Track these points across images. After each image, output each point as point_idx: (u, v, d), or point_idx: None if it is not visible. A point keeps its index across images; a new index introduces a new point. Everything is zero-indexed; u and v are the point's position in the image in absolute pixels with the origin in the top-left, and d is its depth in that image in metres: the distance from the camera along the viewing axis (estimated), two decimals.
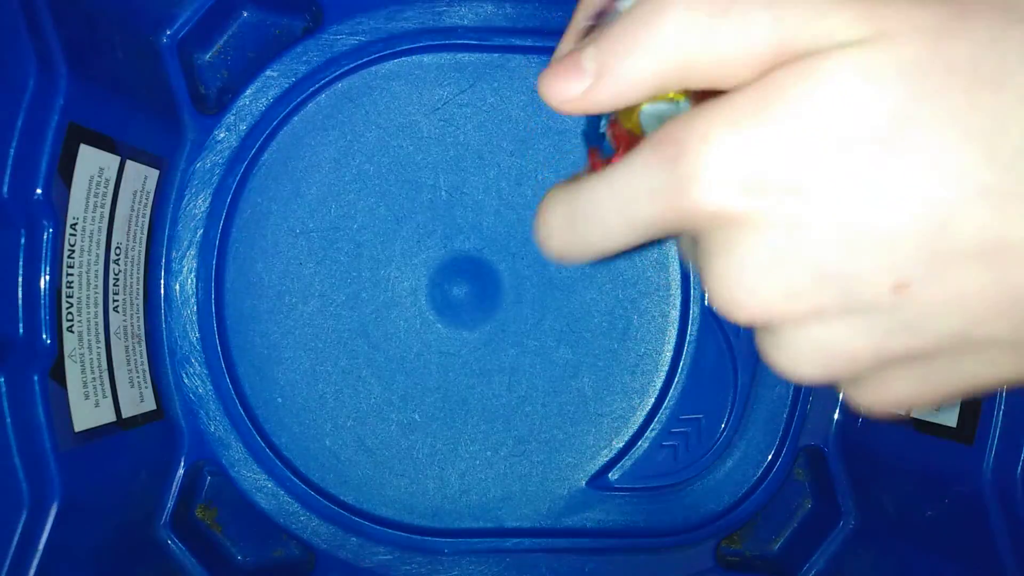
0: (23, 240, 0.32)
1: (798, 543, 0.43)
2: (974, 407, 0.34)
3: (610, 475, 0.42)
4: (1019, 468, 0.32)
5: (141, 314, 0.39)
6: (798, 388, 0.42)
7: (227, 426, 0.41)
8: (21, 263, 0.32)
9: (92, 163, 0.35)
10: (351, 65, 0.41)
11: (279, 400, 0.41)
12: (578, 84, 0.19)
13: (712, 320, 0.42)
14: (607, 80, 0.19)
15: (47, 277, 0.33)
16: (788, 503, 0.44)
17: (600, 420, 0.42)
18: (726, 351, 0.42)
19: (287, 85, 0.40)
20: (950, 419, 0.35)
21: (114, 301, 0.37)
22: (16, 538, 0.31)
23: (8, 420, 0.31)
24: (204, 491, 0.42)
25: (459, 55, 0.41)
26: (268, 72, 0.40)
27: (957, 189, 0.16)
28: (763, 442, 0.42)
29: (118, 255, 0.37)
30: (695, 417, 0.42)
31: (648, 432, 0.42)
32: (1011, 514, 0.32)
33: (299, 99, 0.41)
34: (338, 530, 0.41)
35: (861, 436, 0.41)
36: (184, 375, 0.41)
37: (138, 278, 0.39)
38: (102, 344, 0.36)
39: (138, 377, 0.39)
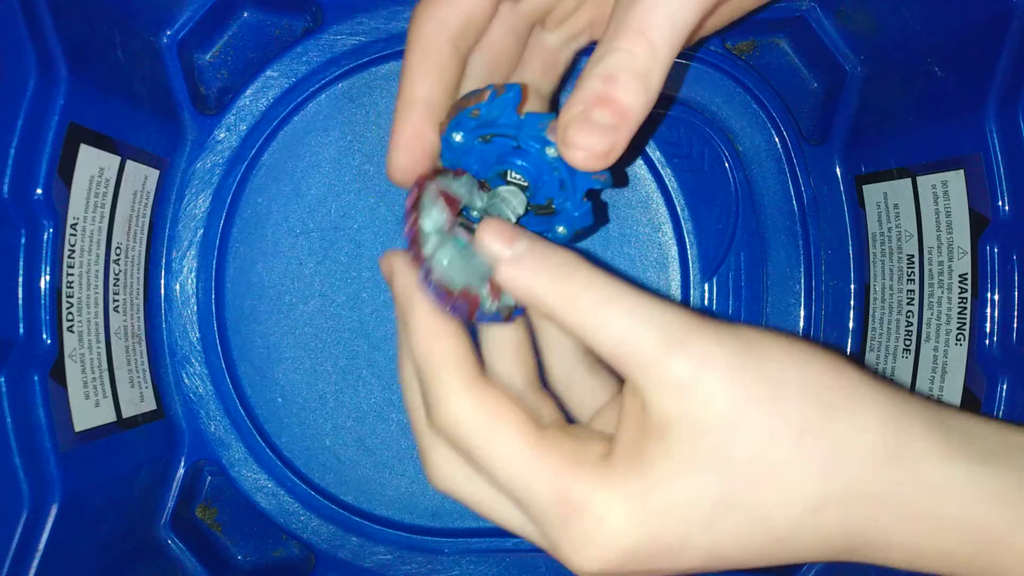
0: (23, 240, 0.32)
1: None
2: (974, 407, 0.34)
3: None
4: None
5: (141, 314, 0.39)
6: None
7: (227, 426, 0.41)
8: (21, 263, 0.32)
9: (92, 163, 0.35)
10: (351, 65, 0.41)
11: (279, 400, 0.41)
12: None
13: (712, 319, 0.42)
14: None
15: (47, 277, 0.33)
16: None
17: None
18: None
19: (287, 85, 0.40)
20: None
21: (114, 301, 0.37)
22: (16, 538, 0.31)
23: (8, 420, 0.31)
24: (204, 491, 0.42)
25: None
26: (268, 72, 0.40)
27: None
28: None
29: (118, 255, 0.37)
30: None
31: None
32: None
33: (299, 99, 0.41)
34: (338, 530, 0.41)
35: None
36: (184, 375, 0.41)
37: (138, 278, 0.39)
38: (102, 344, 0.36)
39: (138, 377, 0.39)
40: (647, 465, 0.24)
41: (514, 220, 0.29)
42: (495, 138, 0.28)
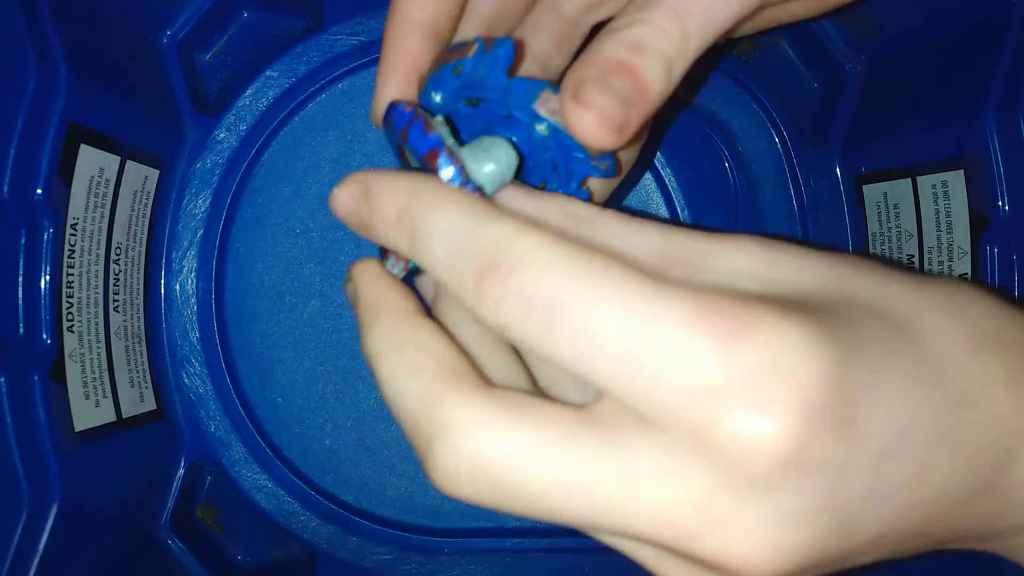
0: (23, 240, 0.32)
1: None
2: None
3: None
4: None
5: (141, 314, 0.39)
6: None
7: (227, 426, 0.41)
8: (21, 263, 0.32)
9: (92, 163, 0.35)
10: (351, 65, 0.41)
11: (279, 400, 0.41)
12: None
13: None
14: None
15: (47, 277, 0.33)
16: None
17: None
18: None
19: (287, 85, 0.40)
20: None
21: (114, 301, 0.37)
22: (16, 538, 0.31)
23: (8, 420, 0.31)
24: (204, 491, 0.42)
25: None
26: (268, 72, 0.40)
27: None
28: None
29: (118, 255, 0.37)
30: None
31: None
32: None
33: (299, 99, 0.41)
34: (338, 530, 0.41)
35: None
36: (184, 375, 0.41)
37: (138, 278, 0.39)
38: (102, 344, 0.36)
39: (138, 377, 0.39)
40: (825, 315, 0.18)
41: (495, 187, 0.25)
42: (483, 103, 0.24)
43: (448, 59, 0.24)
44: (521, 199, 0.23)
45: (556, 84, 0.23)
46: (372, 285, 0.22)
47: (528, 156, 0.25)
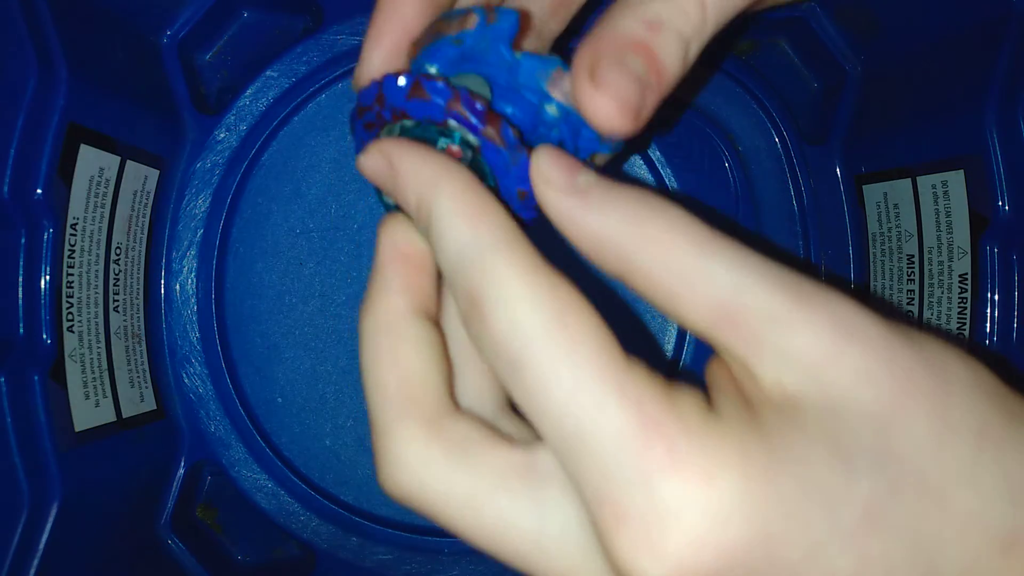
0: (23, 240, 0.32)
1: None
2: None
3: None
4: None
5: (141, 314, 0.39)
6: None
7: (227, 426, 0.41)
8: (21, 263, 0.32)
9: (92, 163, 0.35)
10: (351, 65, 0.40)
11: (279, 400, 0.41)
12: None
13: None
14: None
15: (47, 277, 0.33)
16: None
17: None
18: None
19: (287, 85, 0.40)
20: None
21: (114, 301, 0.37)
22: (16, 538, 0.31)
23: (8, 420, 0.31)
24: (204, 491, 0.42)
25: None
26: (268, 72, 0.40)
27: None
28: None
29: (118, 255, 0.37)
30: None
31: None
32: None
33: (299, 99, 0.41)
34: (338, 530, 0.41)
35: None
36: (184, 375, 0.41)
37: (138, 278, 0.39)
38: (102, 344, 0.36)
39: (138, 377, 0.39)
40: (766, 429, 0.17)
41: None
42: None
43: (445, 29, 0.22)
44: (613, 197, 0.20)
45: (563, 60, 0.22)
46: (389, 259, 0.21)
47: (530, 130, 0.24)
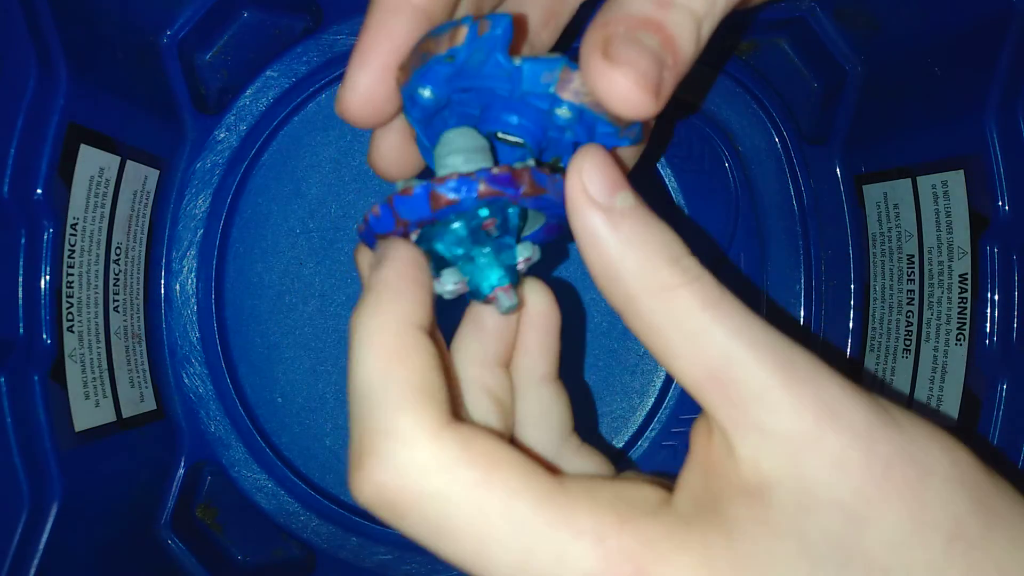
0: (23, 240, 0.32)
1: None
2: (974, 407, 0.34)
3: None
4: (1019, 467, 0.32)
5: (141, 314, 0.39)
6: None
7: (227, 426, 0.41)
8: (21, 263, 0.32)
9: (92, 163, 0.35)
10: None
11: (279, 400, 0.41)
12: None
13: None
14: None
15: (47, 277, 0.33)
16: None
17: (600, 420, 0.42)
18: None
19: (287, 85, 0.40)
20: (950, 419, 0.35)
21: (114, 301, 0.37)
22: (16, 538, 0.31)
23: (8, 420, 0.31)
24: (204, 491, 0.42)
25: None
26: (268, 72, 0.40)
27: None
28: None
29: (118, 255, 0.37)
30: (695, 417, 0.42)
31: (648, 432, 0.42)
32: None
33: (299, 99, 0.41)
34: (338, 530, 0.41)
35: None
36: (184, 375, 0.41)
37: (138, 278, 0.39)
38: (102, 344, 0.36)
39: (138, 377, 0.39)
40: (730, 526, 0.18)
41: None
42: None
43: (433, 48, 0.21)
44: (638, 232, 0.19)
45: (570, 59, 0.21)
46: (398, 271, 0.20)
47: (541, 137, 0.23)
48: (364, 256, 0.23)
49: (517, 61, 0.21)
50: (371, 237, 0.22)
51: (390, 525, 0.19)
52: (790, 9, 0.41)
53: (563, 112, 0.21)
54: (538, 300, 0.24)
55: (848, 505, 0.17)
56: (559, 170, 0.22)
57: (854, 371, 0.41)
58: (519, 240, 0.23)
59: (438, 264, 0.22)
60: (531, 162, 0.21)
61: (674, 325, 0.19)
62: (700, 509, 0.18)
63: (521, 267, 0.23)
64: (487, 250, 0.22)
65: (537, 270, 0.24)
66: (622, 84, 0.19)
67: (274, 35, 0.42)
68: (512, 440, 0.24)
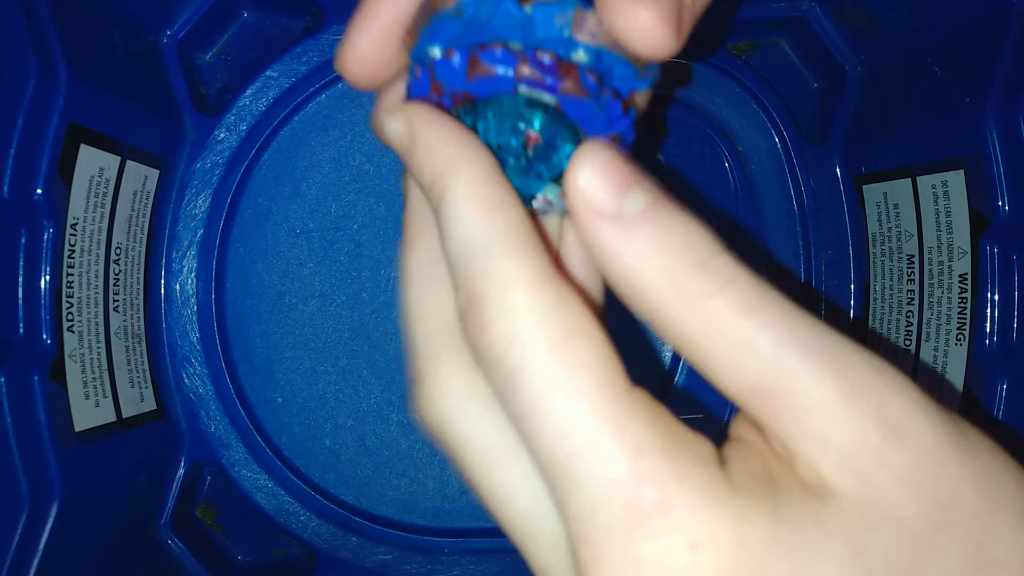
0: (23, 240, 0.32)
1: None
2: (974, 407, 0.34)
3: None
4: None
5: (141, 314, 0.39)
6: None
7: (227, 426, 0.41)
8: (21, 263, 0.32)
9: (92, 163, 0.35)
10: None
11: (279, 400, 0.41)
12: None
13: None
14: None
15: (47, 277, 0.33)
16: None
17: None
18: None
19: (287, 85, 0.40)
20: None
21: (114, 301, 0.37)
22: (16, 538, 0.31)
23: (8, 420, 0.31)
24: (204, 491, 0.42)
25: None
26: (268, 72, 0.40)
27: None
28: None
29: (118, 255, 0.37)
30: (695, 417, 0.42)
31: None
32: None
33: (299, 99, 0.41)
34: (338, 530, 0.41)
35: None
36: (184, 375, 0.41)
37: (138, 278, 0.39)
38: (102, 344, 0.36)
39: (138, 377, 0.39)
40: (781, 511, 0.16)
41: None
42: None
43: (439, 3, 0.20)
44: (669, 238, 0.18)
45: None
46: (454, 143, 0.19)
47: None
48: (407, 112, 0.20)
49: (528, 8, 0.20)
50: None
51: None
52: (790, 9, 0.41)
53: (579, 56, 0.20)
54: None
55: (915, 529, 0.16)
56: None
57: None
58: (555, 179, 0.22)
59: None
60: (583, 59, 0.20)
61: (711, 337, 0.17)
62: (752, 482, 0.17)
63: (538, 205, 0.21)
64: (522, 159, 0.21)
65: None
66: (645, 19, 0.18)
67: (274, 35, 0.42)
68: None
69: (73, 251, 0.34)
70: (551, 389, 0.17)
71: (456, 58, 0.19)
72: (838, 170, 0.42)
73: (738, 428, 0.19)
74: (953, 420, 0.17)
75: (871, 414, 0.16)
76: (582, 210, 0.17)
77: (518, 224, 0.18)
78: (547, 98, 0.20)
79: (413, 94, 0.21)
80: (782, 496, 0.16)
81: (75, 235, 0.35)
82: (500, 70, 0.19)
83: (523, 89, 0.20)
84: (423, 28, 0.21)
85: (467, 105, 0.21)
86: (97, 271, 0.36)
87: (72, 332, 0.34)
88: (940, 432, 0.17)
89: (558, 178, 0.21)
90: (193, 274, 0.41)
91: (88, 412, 0.35)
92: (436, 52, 0.20)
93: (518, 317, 0.17)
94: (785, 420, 0.17)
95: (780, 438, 0.17)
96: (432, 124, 0.19)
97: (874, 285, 0.41)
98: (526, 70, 0.19)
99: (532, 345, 0.17)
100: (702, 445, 0.17)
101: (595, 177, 0.17)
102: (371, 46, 0.21)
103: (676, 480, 0.16)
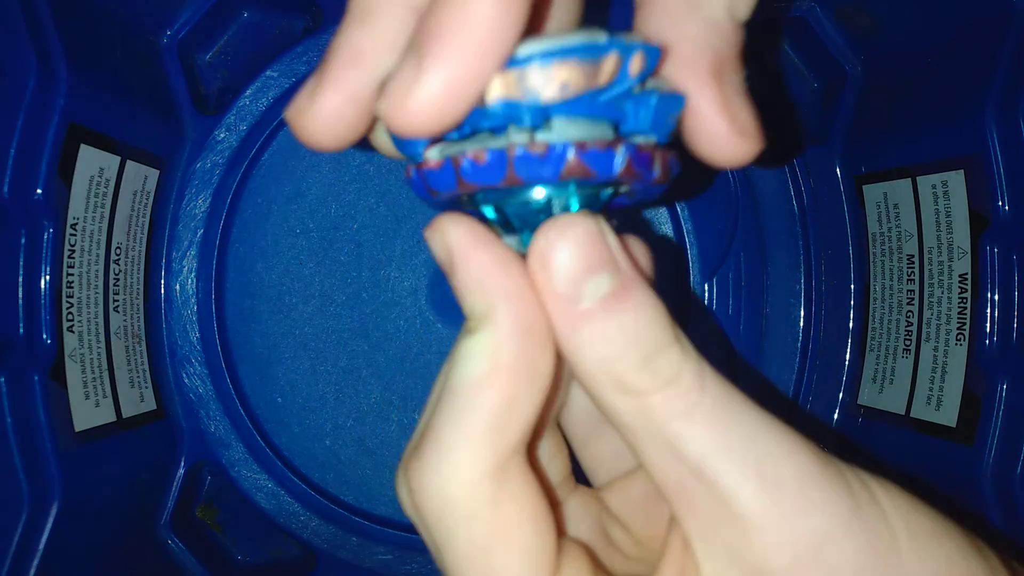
0: (23, 240, 0.32)
1: None
2: (974, 407, 0.34)
3: None
4: (1019, 468, 0.32)
5: (141, 314, 0.39)
6: (796, 389, 0.42)
7: (227, 426, 0.41)
8: (21, 263, 0.32)
9: (92, 163, 0.35)
10: None
11: (279, 400, 0.41)
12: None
13: (712, 319, 0.42)
14: None
15: (47, 277, 0.33)
16: None
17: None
18: (724, 350, 0.42)
19: (287, 85, 0.40)
20: (950, 419, 0.35)
21: (114, 301, 0.37)
22: (16, 538, 0.31)
23: (8, 420, 0.31)
24: (204, 491, 0.42)
25: None
26: (268, 72, 0.40)
27: None
28: None
29: (118, 255, 0.37)
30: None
31: None
32: (1011, 514, 0.32)
33: None
34: (338, 530, 0.41)
35: (859, 436, 0.41)
36: (184, 375, 0.41)
37: (138, 278, 0.39)
38: (102, 344, 0.36)
39: (138, 377, 0.39)
40: None
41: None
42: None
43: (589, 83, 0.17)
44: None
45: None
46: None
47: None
48: (446, 234, 0.18)
49: (640, 88, 0.18)
50: (423, 189, 0.19)
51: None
52: (790, 9, 0.41)
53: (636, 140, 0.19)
54: None
55: None
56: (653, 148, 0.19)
57: (854, 372, 0.41)
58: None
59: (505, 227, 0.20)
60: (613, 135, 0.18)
61: (643, 432, 0.17)
62: None
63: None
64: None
65: None
66: (748, 150, 0.19)
67: (274, 35, 0.42)
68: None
69: (73, 251, 0.34)
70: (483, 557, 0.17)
71: (491, 157, 0.17)
72: (838, 170, 0.42)
73: (669, 534, 0.19)
74: (880, 537, 0.16)
75: (788, 530, 0.16)
76: (541, 279, 0.17)
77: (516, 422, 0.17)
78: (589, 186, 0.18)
79: (434, 184, 0.18)
80: None
81: (75, 235, 0.35)
82: (541, 171, 0.17)
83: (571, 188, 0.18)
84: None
85: (491, 192, 0.19)
86: (97, 271, 0.36)
87: (72, 332, 0.34)
88: (862, 557, 0.16)
89: None
90: (193, 274, 0.41)
91: (88, 412, 0.35)
92: (465, 149, 0.18)
93: (454, 490, 0.17)
94: (699, 524, 0.16)
95: (691, 543, 0.17)
96: (473, 254, 0.18)
97: (874, 285, 0.41)
98: (574, 162, 0.17)
99: (461, 526, 0.17)
100: None
101: (565, 249, 0.17)
102: (341, 105, 0.18)
103: None
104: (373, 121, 0.19)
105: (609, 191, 0.19)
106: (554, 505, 0.19)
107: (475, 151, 0.17)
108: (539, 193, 0.18)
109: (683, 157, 0.21)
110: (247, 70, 0.41)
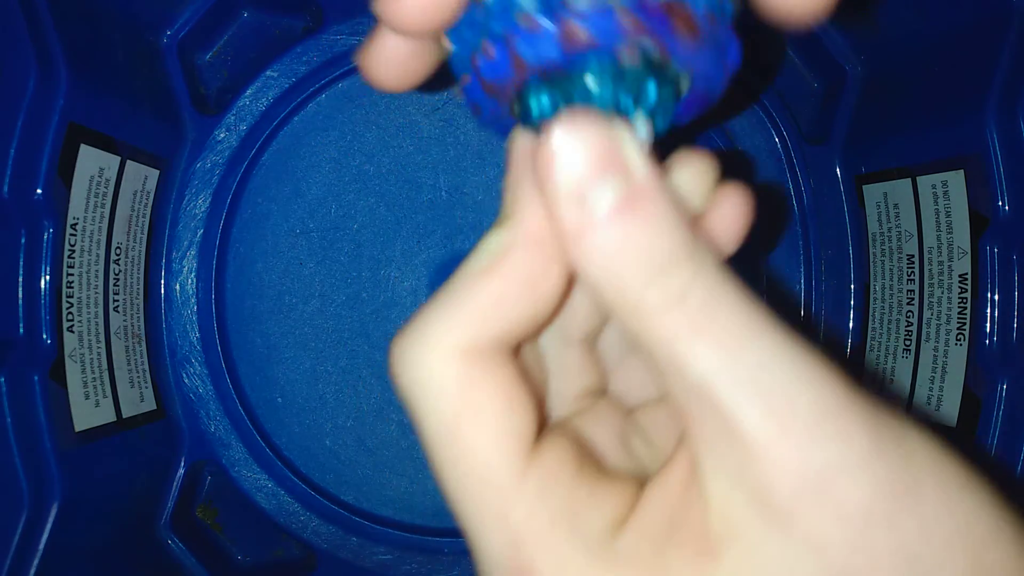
0: (23, 240, 0.32)
1: None
2: (974, 407, 0.34)
3: None
4: (1019, 468, 0.32)
5: (141, 314, 0.39)
6: None
7: (227, 426, 0.41)
8: (21, 263, 0.32)
9: (92, 163, 0.35)
10: (351, 65, 0.41)
11: (279, 400, 0.41)
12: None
13: None
14: None
15: (47, 277, 0.33)
16: None
17: None
18: None
19: (287, 85, 0.40)
20: (950, 419, 0.35)
21: (114, 301, 0.37)
22: (16, 538, 0.31)
23: (8, 420, 0.31)
24: (204, 491, 0.42)
25: None
26: (268, 72, 0.40)
27: None
28: None
29: (118, 255, 0.37)
30: None
31: None
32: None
33: (299, 99, 0.41)
34: (338, 530, 0.41)
35: None
36: (184, 375, 0.41)
37: (138, 278, 0.39)
38: (102, 344, 0.36)
39: (138, 377, 0.39)
40: None
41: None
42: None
43: None
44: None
45: None
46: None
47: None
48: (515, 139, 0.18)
49: None
50: (479, 92, 0.18)
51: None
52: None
53: None
54: None
55: None
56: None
57: (854, 371, 0.41)
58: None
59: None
60: None
61: (653, 349, 0.16)
62: (644, 546, 0.16)
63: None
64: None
65: None
66: None
67: (274, 35, 0.42)
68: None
69: (73, 251, 0.34)
70: (447, 467, 0.17)
71: (545, 26, 0.16)
72: (838, 170, 0.42)
73: (676, 451, 0.18)
74: (901, 477, 0.15)
75: (794, 460, 0.15)
76: (543, 176, 0.16)
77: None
78: (654, 54, 0.17)
79: (490, 77, 0.17)
80: (673, 562, 0.16)
81: (75, 235, 0.35)
82: (601, 37, 0.16)
83: (624, 53, 0.16)
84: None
85: (555, 77, 0.17)
86: (97, 271, 0.36)
87: (72, 332, 0.34)
88: (878, 495, 0.15)
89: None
90: (193, 274, 0.41)
91: (88, 412, 0.35)
92: (524, 18, 0.16)
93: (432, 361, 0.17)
94: (707, 445, 0.16)
95: (698, 464, 0.16)
96: (514, 162, 0.18)
97: (874, 285, 0.41)
98: (628, 22, 0.16)
99: (436, 382, 0.17)
100: (600, 509, 0.17)
101: (574, 143, 0.15)
102: (405, 44, 0.18)
103: (553, 570, 0.16)
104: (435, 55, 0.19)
105: (651, 83, 0.17)
106: (540, 402, 0.19)
107: (527, 21, 0.16)
108: (592, 83, 0.17)
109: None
110: (247, 70, 0.41)
